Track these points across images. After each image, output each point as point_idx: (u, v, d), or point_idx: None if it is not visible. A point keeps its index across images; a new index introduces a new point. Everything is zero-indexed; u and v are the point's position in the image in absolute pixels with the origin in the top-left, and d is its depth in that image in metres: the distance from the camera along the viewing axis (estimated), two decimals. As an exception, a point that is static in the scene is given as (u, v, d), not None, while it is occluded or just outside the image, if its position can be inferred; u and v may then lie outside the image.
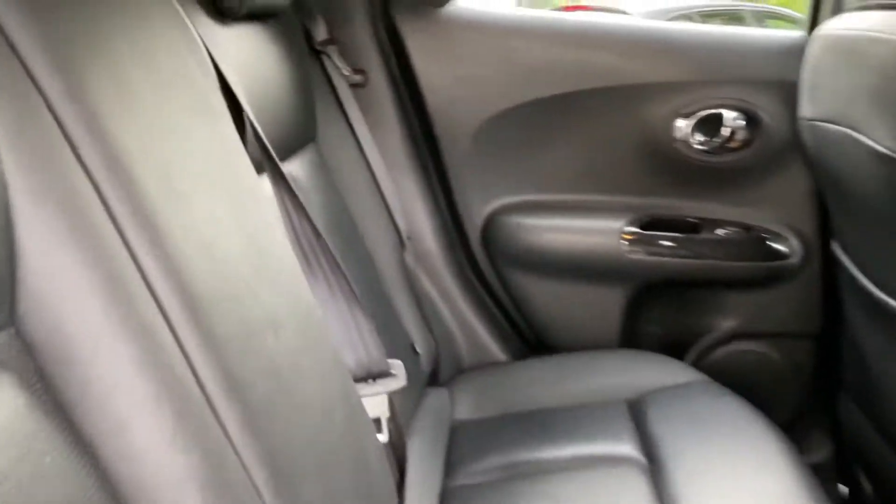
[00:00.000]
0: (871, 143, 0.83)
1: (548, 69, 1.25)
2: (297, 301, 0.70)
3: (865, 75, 0.88)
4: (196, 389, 0.51)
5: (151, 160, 0.55)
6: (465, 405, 1.23)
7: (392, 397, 0.89)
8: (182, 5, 0.79)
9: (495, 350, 1.36)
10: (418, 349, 1.19)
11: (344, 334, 0.84)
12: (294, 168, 1.03)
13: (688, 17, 6.35)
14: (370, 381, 0.86)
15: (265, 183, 0.86)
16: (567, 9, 6.75)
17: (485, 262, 1.38)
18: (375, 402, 0.85)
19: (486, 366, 1.35)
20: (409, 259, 1.25)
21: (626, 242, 1.30)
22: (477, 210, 1.35)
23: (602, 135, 1.28)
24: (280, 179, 0.81)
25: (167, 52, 0.65)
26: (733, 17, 6.85)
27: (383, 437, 0.85)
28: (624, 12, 6.01)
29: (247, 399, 0.55)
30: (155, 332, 0.49)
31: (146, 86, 0.59)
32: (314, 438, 0.63)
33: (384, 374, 0.86)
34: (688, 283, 1.35)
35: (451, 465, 1.07)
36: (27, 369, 0.42)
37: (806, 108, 1.07)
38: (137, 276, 0.50)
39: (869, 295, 0.97)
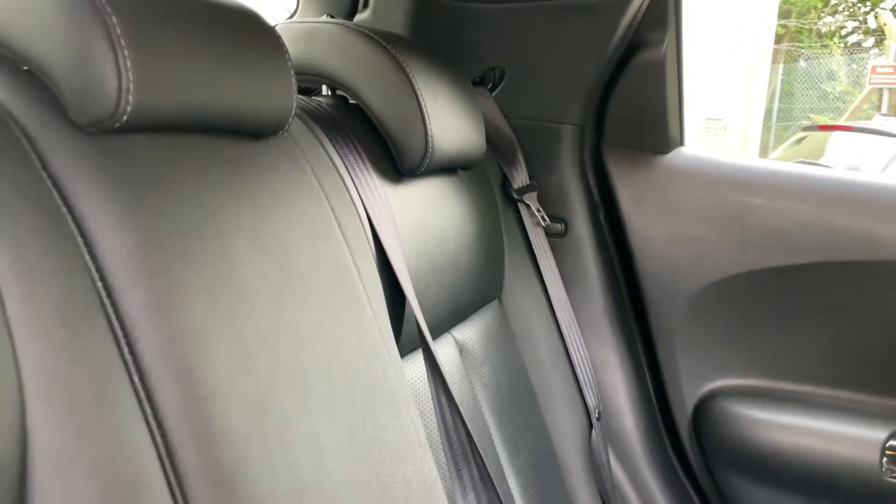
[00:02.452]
0: None
1: (791, 234, 1.01)
2: None
3: None
4: None
5: (240, 383, 0.44)
6: None
7: None
8: (357, 166, 0.71)
9: None
10: (598, 559, 0.98)
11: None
12: (469, 333, 0.90)
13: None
14: None
15: (414, 363, 0.74)
16: (822, 128, 6.20)
17: (695, 454, 1.13)
18: None
19: None
20: (598, 443, 1.05)
21: (887, 460, 0.99)
22: (688, 390, 1.12)
23: (857, 317, 1.01)
24: (433, 367, 0.69)
25: (303, 236, 0.56)
26: None
27: None
28: (892, 134, 5.33)
29: None
30: None
31: (261, 281, 0.50)
32: None
33: None
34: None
35: None
36: None
37: None
38: None
39: None
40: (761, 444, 1.06)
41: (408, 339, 0.73)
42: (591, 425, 1.05)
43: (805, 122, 8.06)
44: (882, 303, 0.99)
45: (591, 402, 1.05)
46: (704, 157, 1.09)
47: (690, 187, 1.06)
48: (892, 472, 0.99)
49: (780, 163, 1.09)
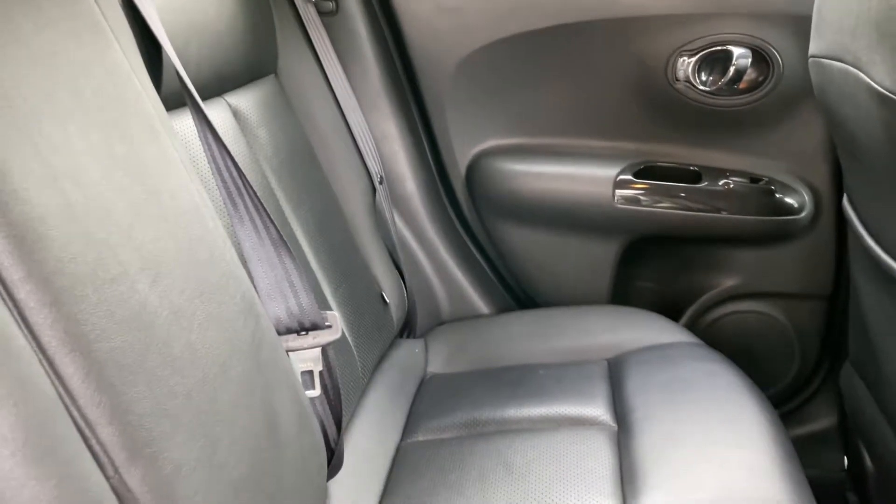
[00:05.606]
0: (869, 81, 0.71)
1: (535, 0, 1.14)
2: (193, 244, 0.64)
3: (874, 4, 0.76)
4: (21, 338, 0.46)
5: None
6: (440, 358, 1.18)
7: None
8: None
9: (477, 302, 1.29)
10: (387, 299, 1.13)
11: (272, 282, 0.79)
12: (243, 100, 0.96)
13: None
14: (302, 332, 0.80)
15: (184, 118, 0.79)
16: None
17: (468, 208, 1.29)
18: (307, 354, 0.80)
19: (466, 318, 1.28)
20: (382, 203, 1.17)
21: (619, 191, 1.20)
22: (460, 152, 1.26)
23: (594, 73, 1.17)
24: (200, 115, 0.75)
25: None
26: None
27: (314, 392, 0.80)
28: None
29: (93, 350, 0.49)
30: None
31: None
32: (197, 392, 0.58)
33: (316, 325, 0.80)
34: (686, 237, 1.25)
35: (412, 421, 1.03)
36: None
37: (813, 44, 0.95)
38: None
39: (874, 258, 0.86)
40: (521, 191, 1.24)
41: (171, 92, 0.78)
42: (374, 188, 1.17)
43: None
44: (611, 58, 1.16)
45: (374, 168, 1.17)
46: (459, -69, 1.16)
47: None
48: (620, 200, 1.20)
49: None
